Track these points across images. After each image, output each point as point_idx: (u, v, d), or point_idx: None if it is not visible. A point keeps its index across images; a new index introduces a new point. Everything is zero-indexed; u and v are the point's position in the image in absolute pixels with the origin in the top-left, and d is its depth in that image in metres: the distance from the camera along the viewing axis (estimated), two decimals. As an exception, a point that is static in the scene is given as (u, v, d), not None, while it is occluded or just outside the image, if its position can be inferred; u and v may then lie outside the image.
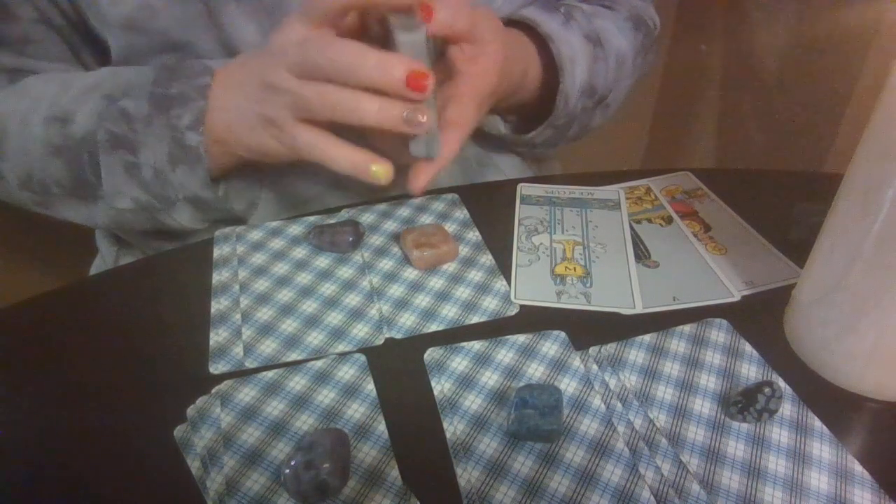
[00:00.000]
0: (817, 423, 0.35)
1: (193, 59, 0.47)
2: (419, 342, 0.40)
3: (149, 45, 0.48)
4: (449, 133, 0.43)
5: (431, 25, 0.41)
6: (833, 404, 0.36)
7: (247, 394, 0.36)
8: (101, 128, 0.46)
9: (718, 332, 0.40)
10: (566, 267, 0.46)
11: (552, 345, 0.39)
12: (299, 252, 0.47)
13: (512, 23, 0.53)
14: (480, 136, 0.59)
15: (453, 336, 0.40)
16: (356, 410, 0.35)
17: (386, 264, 0.46)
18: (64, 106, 0.47)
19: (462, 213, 0.51)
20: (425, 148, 0.42)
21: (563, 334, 0.40)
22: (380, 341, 0.40)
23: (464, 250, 0.47)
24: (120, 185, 0.47)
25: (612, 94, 0.58)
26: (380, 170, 0.41)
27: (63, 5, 0.49)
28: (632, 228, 0.50)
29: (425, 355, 0.39)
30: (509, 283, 0.44)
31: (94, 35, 0.51)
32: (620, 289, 0.44)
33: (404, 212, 0.51)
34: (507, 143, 0.60)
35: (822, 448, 0.34)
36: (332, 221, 0.49)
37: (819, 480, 0.32)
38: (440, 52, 0.44)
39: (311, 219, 0.50)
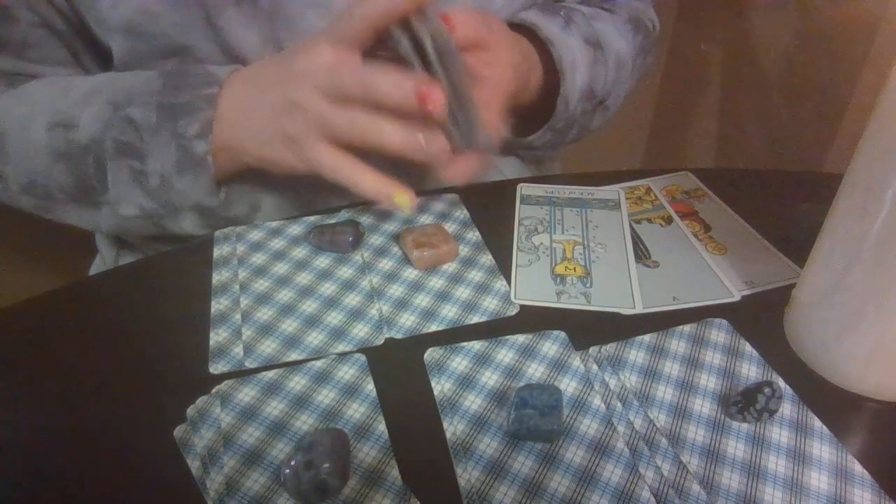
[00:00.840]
0: (817, 423, 0.35)
1: (199, 66, 0.47)
2: (419, 342, 0.40)
3: (150, 50, 0.48)
4: None
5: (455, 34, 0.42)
6: (833, 404, 0.36)
7: (247, 394, 0.36)
8: (108, 136, 0.46)
9: (718, 332, 0.40)
10: (566, 267, 0.46)
11: (552, 345, 0.39)
12: (299, 252, 0.47)
13: (512, 26, 0.53)
14: None
15: (453, 336, 0.40)
16: (356, 410, 0.35)
17: (386, 264, 0.46)
18: (66, 111, 0.47)
19: (462, 213, 0.51)
20: (468, 138, 0.43)
21: (563, 334, 0.40)
22: (380, 341, 0.40)
23: (464, 250, 0.47)
24: (126, 193, 0.47)
25: (611, 97, 0.58)
26: (403, 199, 0.42)
27: (63, 9, 0.49)
28: (632, 228, 0.50)
29: (425, 355, 0.39)
30: (509, 283, 0.44)
31: (96, 39, 0.50)
32: (620, 289, 0.44)
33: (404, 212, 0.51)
34: (507, 145, 0.60)
35: (822, 448, 0.34)
36: (332, 221, 0.49)
37: (819, 480, 0.32)
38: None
39: (311, 219, 0.50)
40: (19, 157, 0.48)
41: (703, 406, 0.36)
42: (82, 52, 0.53)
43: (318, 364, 0.38)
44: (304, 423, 0.35)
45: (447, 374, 0.37)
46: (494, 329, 0.41)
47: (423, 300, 0.43)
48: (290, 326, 0.41)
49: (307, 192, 0.54)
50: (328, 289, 0.44)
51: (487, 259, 0.46)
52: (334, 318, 0.41)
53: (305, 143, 0.43)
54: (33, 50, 0.51)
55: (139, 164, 0.46)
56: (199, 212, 0.49)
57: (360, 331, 0.40)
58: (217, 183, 0.48)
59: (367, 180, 0.42)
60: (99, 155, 0.46)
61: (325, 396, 0.36)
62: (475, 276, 0.45)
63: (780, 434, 0.34)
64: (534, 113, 0.56)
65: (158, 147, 0.45)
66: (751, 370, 0.38)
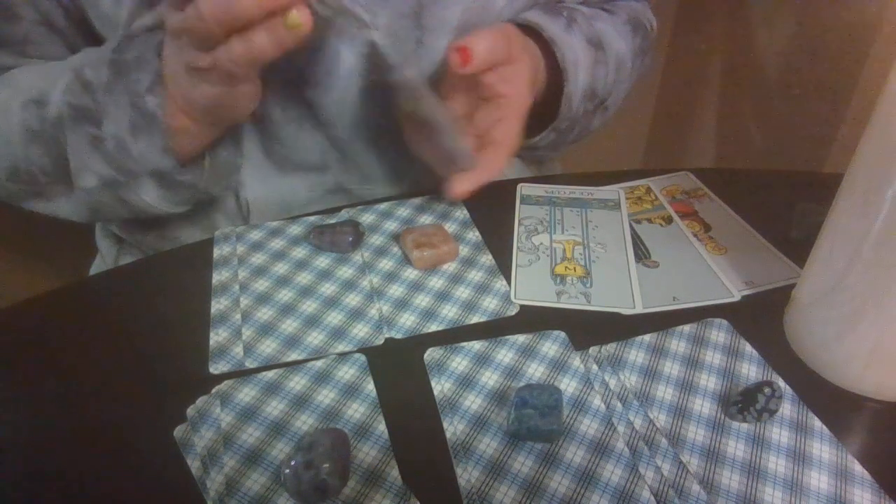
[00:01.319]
0: (817, 423, 0.35)
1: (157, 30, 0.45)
2: (419, 342, 0.40)
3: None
4: (496, 151, 0.45)
5: (472, 66, 0.42)
6: (833, 404, 0.36)
7: (247, 394, 0.36)
8: (65, 102, 0.45)
9: (718, 332, 0.40)
10: (566, 267, 0.46)
11: (552, 345, 0.39)
12: (299, 252, 0.47)
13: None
14: None
15: (453, 336, 0.40)
16: (356, 410, 0.35)
17: (386, 264, 0.46)
18: (40, 88, 0.46)
19: (462, 213, 0.51)
20: (462, 161, 0.45)
21: (563, 334, 0.40)
22: (380, 341, 0.40)
23: (464, 250, 0.47)
24: (85, 161, 0.46)
25: (611, 97, 0.58)
26: (294, 15, 0.38)
27: (66, 6, 0.49)
28: (632, 228, 0.50)
29: (425, 355, 0.39)
30: (509, 283, 0.44)
31: (97, 36, 0.50)
32: (620, 289, 0.44)
33: (404, 212, 0.51)
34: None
35: (822, 448, 0.34)
36: (332, 221, 0.49)
37: (819, 480, 0.32)
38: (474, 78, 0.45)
39: (311, 219, 0.50)
40: (1, 143, 0.48)
41: (703, 406, 0.36)
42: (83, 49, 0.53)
43: (318, 364, 0.38)
44: (304, 423, 0.35)
45: (447, 374, 0.37)
46: (494, 329, 0.41)
47: (423, 300, 0.43)
48: (290, 326, 0.41)
49: (301, 187, 0.54)
50: (328, 289, 0.44)
51: (487, 259, 0.46)
52: (334, 318, 0.41)
53: (204, 59, 0.40)
54: (34, 47, 0.51)
55: (95, 129, 0.45)
56: (158, 180, 0.47)
57: (360, 331, 0.40)
58: (188, 153, 0.47)
59: (260, 34, 0.38)
60: (63, 126, 0.45)
61: (325, 396, 0.36)
62: (475, 276, 0.45)
63: (780, 434, 0.34)
64: (536, 113, 0.56)
65: (113, 107, 0.44)
66: (751, 370, 0.38)
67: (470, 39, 0.43)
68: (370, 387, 0.37)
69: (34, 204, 0.52)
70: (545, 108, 0.55)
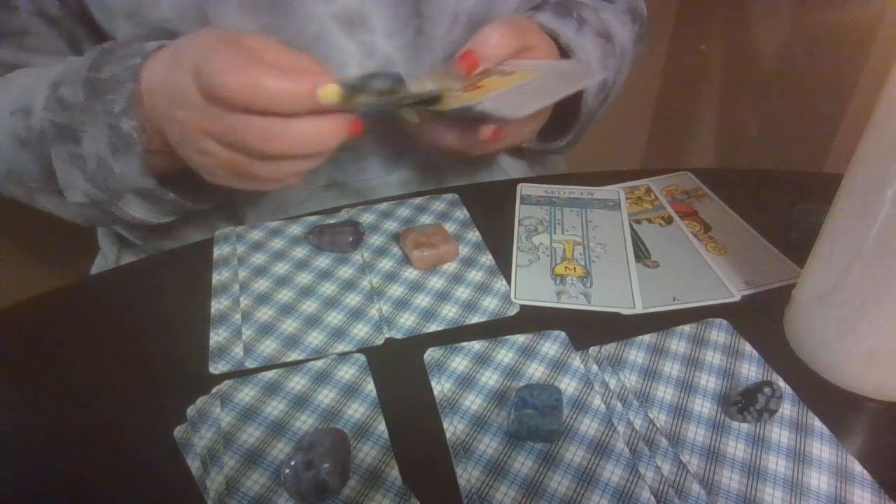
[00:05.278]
0: (817, 423, 0.35)
1: (134, 42, 0.45)
2: (419, 342, 0.40)
3: (151, 37, 0.48)
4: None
5: (482, 68, 0.43)
6: (833, 404, 0.36)
7: (247, 394, 0.36)
8: (46, 118, 0.44)
9: (718, 332, 0.40)
10: (566, 267, 0.46)
11: (552, 345, 0.39)
12: (299, 252, 0.47)
13: None
14: None
15: (453, 336, 0.40)
16: (356, 410, 0.35)
17: (386, 264, 0.46)
18: (27, 96, 0.46)
19: (462, 213, 0.51)
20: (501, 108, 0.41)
21: (563, 334, 0.40)
22: (380, 341, 0.40)
23: (464, 250, 0.47)
24: (70, 179, 0.45)
25: (614, 86, 0.59)
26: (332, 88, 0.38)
27: None
28: (632, 228, 0.50)
29: (425, 355, 0.39)
30: (509, 283, 0.44)
31: (98, 27, 0.50)
32: (620, 289, 0.44)
33: (404, 212, 0.51)
34: (530, 150, 0.61)
35: (822, 448, 0.34)
36: (331, 221, 0.49)
37: (819, 480, 0.32)
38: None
39: (311, 219, 0.50)
40: None
41: (703, 406, 0.36)
42: (84, 42, 0.53)
43: (318, 364, 0.38)
44: (304, 423, 0.35)
45: (447, 374, 0.37)
46: (494, 329, 0.41)
47: (422, 300, 0.43)
48: (290, 326, 0.41)
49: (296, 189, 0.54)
50: (328, 289, 0.44)
51: (487, 259, 0.46)
52: (334, 318, 0.41)
53: (222, 179, 0.41)
54: (32, 38, 0.50)
55: (76, 148, 0.44)
56: (142, 196, 0.47)
57: (360, 331, 0.40)
58: (167, 171, 0.46)
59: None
60: (48, 140, 0.45)
61: (325, 396, 0.36)
62: (475, 276, 0.45)
63: (780, 434, 0.34)
64: (552, 114, 0.56)
65: (90, 127, 0.43)
66: (751, 370, 0.38)
67: (476, 40, 0.43)
68: (370, 387, 0.37)
69: (34, 206, 0.51)
70: (560, 108, 0.55)
